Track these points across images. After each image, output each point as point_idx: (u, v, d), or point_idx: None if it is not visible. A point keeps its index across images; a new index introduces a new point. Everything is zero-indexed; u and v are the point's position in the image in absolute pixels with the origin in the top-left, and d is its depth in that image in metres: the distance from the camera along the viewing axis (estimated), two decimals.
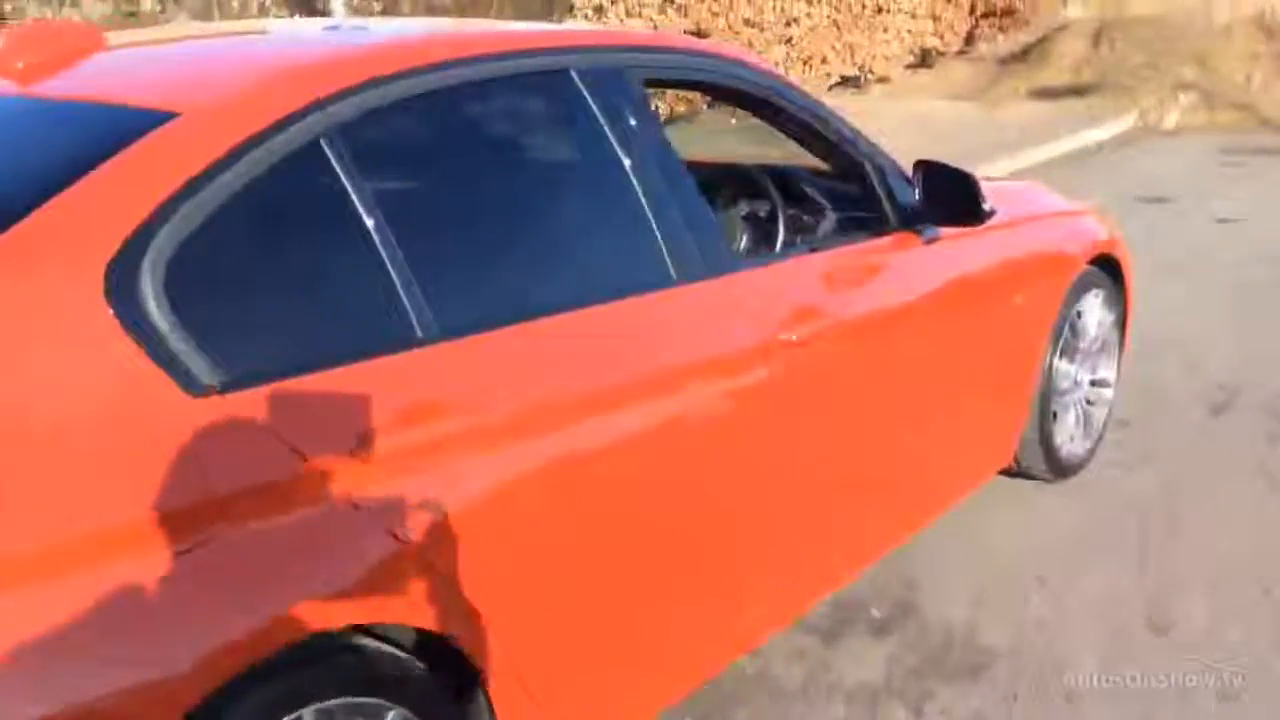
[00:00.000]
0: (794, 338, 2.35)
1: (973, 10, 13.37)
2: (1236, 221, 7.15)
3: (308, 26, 2.77)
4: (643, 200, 2.20)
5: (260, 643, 1.47)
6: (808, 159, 2.97)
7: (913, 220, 2.81)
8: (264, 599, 1.52)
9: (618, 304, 2.10)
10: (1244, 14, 12.58)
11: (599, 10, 9.17)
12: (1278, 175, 8.68)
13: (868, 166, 2.79)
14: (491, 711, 1.84)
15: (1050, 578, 3.10)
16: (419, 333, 1.78)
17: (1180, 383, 4.47)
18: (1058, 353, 3.41)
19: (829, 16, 11.00)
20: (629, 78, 2.28)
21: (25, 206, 1.51)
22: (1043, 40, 13.17)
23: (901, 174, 2.85)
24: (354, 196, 1.76)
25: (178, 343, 1.53)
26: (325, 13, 9.63)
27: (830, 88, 11.41)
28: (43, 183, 1.56)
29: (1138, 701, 2.58)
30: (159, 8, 9.66)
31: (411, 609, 1.67)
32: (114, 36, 2.23)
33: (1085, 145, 10.22)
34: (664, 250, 2.20)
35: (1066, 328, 3.42)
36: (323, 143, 1.75)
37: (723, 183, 3.19)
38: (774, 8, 10.33)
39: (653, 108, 2.31)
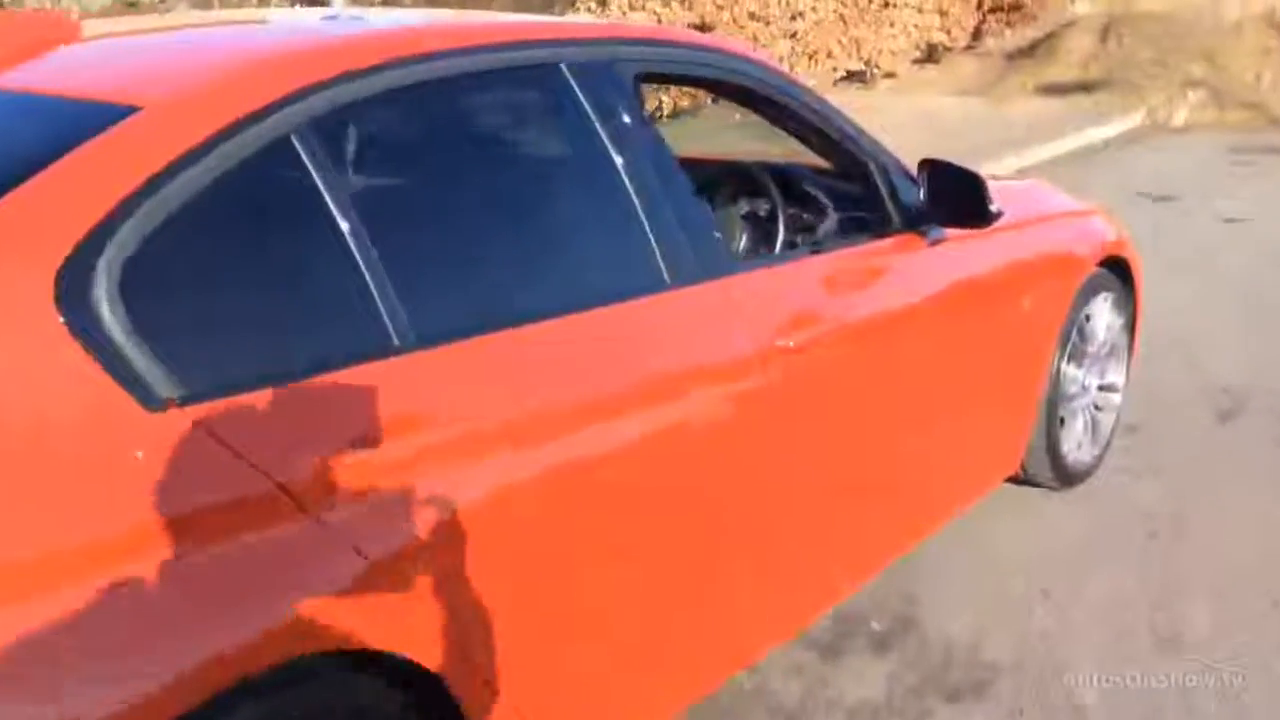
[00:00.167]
0: (792, 344, 2.25)
1: (980, 5, 13.23)
2: (1244, 221, 7.04)
3: (296, 17, 2.67)
4: (635, 200, 2.10)
5: (216, 675, 1.38)
6: (811, 157, 2.87)
7: (917, 221, 2.71)
8: (222, 628, 1.42)
9: (607, 309, 2.00)
10: (1254, 11, 12.43)
11: (602, 3, 9.05)
12: None
13: (871, 165, 2.69)
14: None
15: (1055, 589, 3.01)
16: (396, 340, 1.68)
17: (1188, 386, 4.37)
18: (1065, 357, 3.32)
19: (835, 10, 10.88)
20: (621, 72, 2.18)
21: None
22: (1050, 36, 13.04)
23: (906, 173, 2.75)
24: (327, 196, 1.67)
25: (134, 352, 1.43)
26: (326, 3, 9.54)
27: (836, 83, 11.30)
28: None
29: (1143, 716, 2.49)
30: None
31: (383, 634, 1.58)
32: (88, 27, 2.14)
33: (1092, 142, 10.10)
34: (657, 252, 2.11)
35: (1075, 331, 3.33)
36: (294, 139, 1.66)
37: (721, 181, 3.10)
38: (780, 1, 10.22)
39: (654, 102, 2.20)
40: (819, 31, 10.73)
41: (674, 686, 2.21)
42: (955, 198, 2.66)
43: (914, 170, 2.76)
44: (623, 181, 2.10)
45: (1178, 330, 4.82)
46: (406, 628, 1.60)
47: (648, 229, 2.10)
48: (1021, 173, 8.77)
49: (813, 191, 2.98)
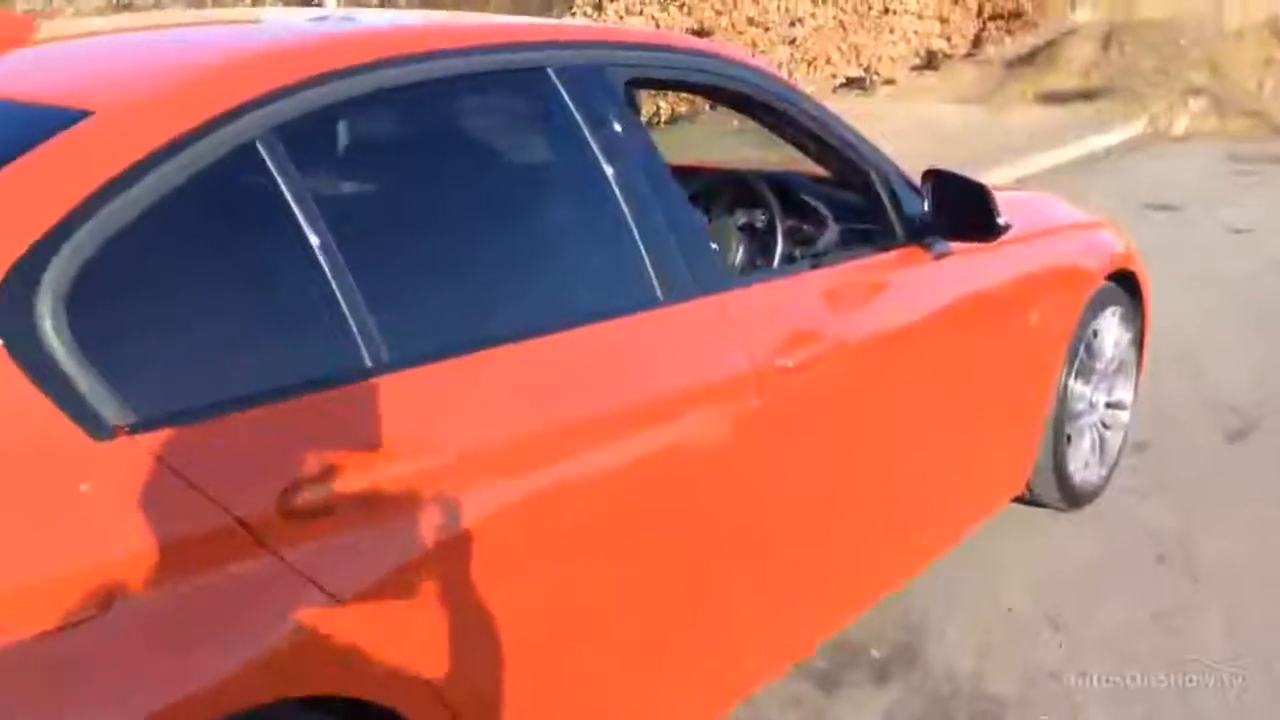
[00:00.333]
0: (791, 363, 2.14)
1: (980, 12, 13.16)
2: (1250, 232, 6.94)
3: (279, 17, 2.55)
4: (626, 211, 1.99)
5: None
6: (811, 165, 2.77)
7: (921, 233, 2.60)
8: (177, 673, 1.32)
9: (597, 327, 1.89)
10: (1256, 19, 12.36)
11: (598, 8, 8.94)
12: None
13: (873, 175, 2.58)
14: None
15: (1062, 617, 2.90)
16: (369, 361, 1.57)
17: (1196, 401, 4.27)
18: (1073, 374, 3.21)
19: (835, 17, 10.79)
20: (612, 77, 2.07)
21: None
22: (1051, 43, 12.95)
23: (909, 184, 2.64)
24: (295, 207, 1.55)
25: (80, 376, 1.32)
26: (319, 3, 9.43)
27: (835, 89, 11.20)
28: None
29: None
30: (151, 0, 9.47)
31: (349, 678, 1.47)
32: (49, 26, 2.03)
33: (1093, 151, 10.01)
34: (649, 266, 2.00)
35: (1082, 347, 3.22)
36: (259, 145, 1.55)
37: (717, 191, 2.99)
38: (779, 7, 10.11)
39: (651, 107, 2.09)
40: (818, 38, 10.64)
41: None
42: (961, 210, 2.55)
43: (917, 180, 2.66)
44: (613, 192, 1.99)
45: (1185, 343, 4.72)
46: (375, 671, 1.49)
47: (639, 242, 1.99)
48: (1021, 182, 8.67)
49: (812, 202, 2.87)
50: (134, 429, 1.34)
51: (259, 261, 1.56)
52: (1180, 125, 10.90)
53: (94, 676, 1.26)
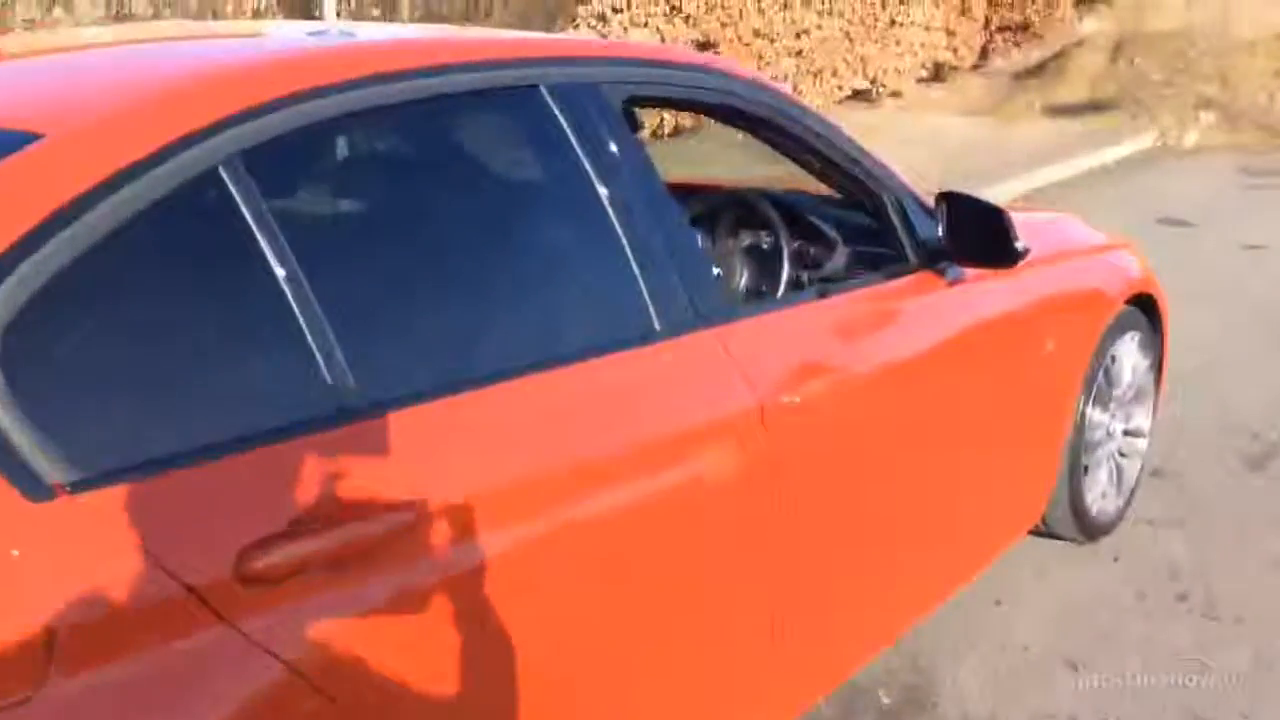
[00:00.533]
0: (799, 399, 2.01)
1: (987, 24, 13.07)
2: (1265, 248, 6.80)
3: (275, 30, 2.43)
4: (623, 239, 1.87)
5: None
6: (819, 184, 2.64)
7: (935, 258, 2.48)
8: None
9: (590, 363, 1.77)
10: (1266, 31, 12.23)
11: (602, 19, 8.83)
12: None
13: (885, 198, 2.46)
14: None
15: (1079, 660, 2.77)
16: (338, 408, 1.44)
17: (1214, 426, 4.14)
18: (1090, 401, 3.08)
19: (841, 29, 10.68)
20: (609, 95, 1.94)
21: None
22: (1059, 55, 12.83)
23: (922, 205, 2.52)
24: (261, 238, 1.43)
25: (14, 428, 1.20)
26: (320, 17, 9.33)
27: (841, 101, 11.09)
28: None
29: None
30: (150, 10, 9.37)
31: None
32: (10, 41, 1.91)
33: (1103, 164, 9.88)
34: (647, 298, 1.87)
35: (1101, 374, 3.10)
36: (223, 171, 1.42)
37: (720, 212, 2.86)
38: (784, 19, 10.00)
39: (654, 120, 1.95)
40: (824, 49, 10.52)
41: None
42: (977, 235, 2.42)
43: (930, 201, 2.53)
44: (609, 219, 1.86)
45: (1201, 363, 4.59)
46: None
47: (636, 272, 1.87)
48: (1029, 196, 8.55)
49: (820, 224, 2.75)
50: (75, 487, 1.22)
51: (219, 301, 1.43)
52: (1190, 138, 10.77)
53: None
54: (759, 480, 1.95)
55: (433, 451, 1.50)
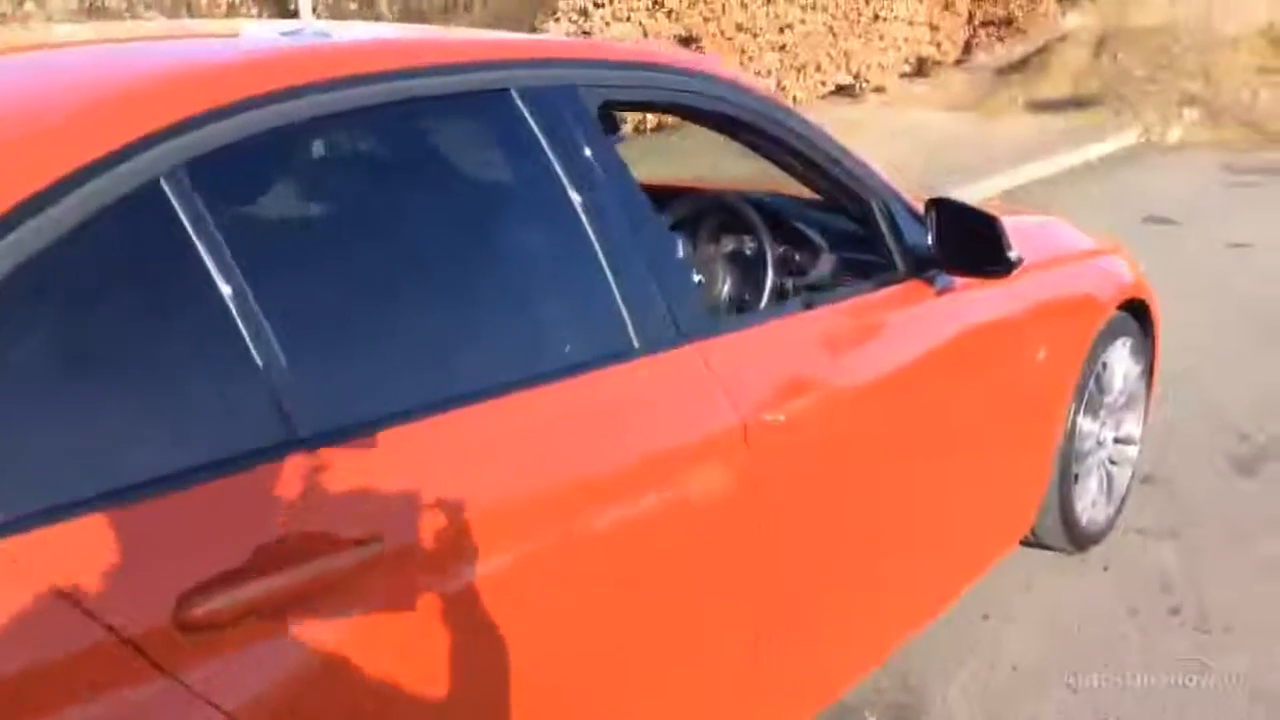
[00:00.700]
0: (783, 418, 1.92)
1: (970, 19, 13.03)
2: (1250, 246, 6.76)
3: (246, 30, 2.31)
4: (599, 250, 1.77)
5: None
6: (803, 187, 2.55)
7: (924, 266, 2.39)
8: None
9: (564, 383, 1.67)
10: (1250, 26, 12.22)
11: (583, 14, 8.72)
12: None
13: (874, 204, 2.37)
14: None
15: (1070, 675, 2.69)
16: (289, 437, 1.34)
17: (1204, 429, 4.08)
18: (1081, 409, 3.01)
19: (825, 23, 10.60)
20: (584, 99, 1.84)
21: None
22: (1042, 50, 12.80)
23: (911, 211, 2.43)
24: (206, 256, 1.33)
25: None
26: (296, 14, 9.18)
27: (824, 96, 11.02)
28: None
29: None
30: (124, 5, 9.20)
31: None
32: None
33: (1086, 161, 9.84)
34: (624, 313, 1.78)
35: (1092, 381, 3.02)
36: (165, 184, 1.32)
37: (702, 216, 2.77)
38: (767, 13, 9.92)
39: (635, 114, 1.84)
40: (808, 44, 10.45)
41: None
42: (969, 243, 2.33)
43: (920, 208, 2.44)
44: (585, 230, 1.77)
45: (1189, 364, 4.53)
46: None
47: (613, 285, 1.77)
48: (1012, 192, 8.49)
49: (805, 229, 2.66)
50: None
51: (159, 324, 1.32)
52: (1174, 135, 10.74)
53: None
54: (742, 500, 1.86)
55: (389, 483, 1.40)
